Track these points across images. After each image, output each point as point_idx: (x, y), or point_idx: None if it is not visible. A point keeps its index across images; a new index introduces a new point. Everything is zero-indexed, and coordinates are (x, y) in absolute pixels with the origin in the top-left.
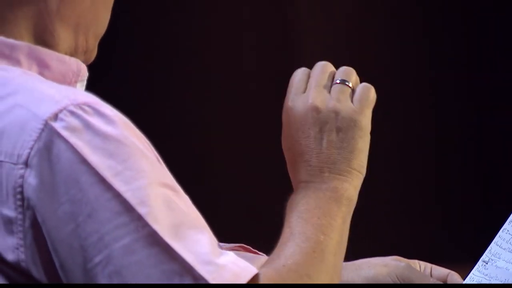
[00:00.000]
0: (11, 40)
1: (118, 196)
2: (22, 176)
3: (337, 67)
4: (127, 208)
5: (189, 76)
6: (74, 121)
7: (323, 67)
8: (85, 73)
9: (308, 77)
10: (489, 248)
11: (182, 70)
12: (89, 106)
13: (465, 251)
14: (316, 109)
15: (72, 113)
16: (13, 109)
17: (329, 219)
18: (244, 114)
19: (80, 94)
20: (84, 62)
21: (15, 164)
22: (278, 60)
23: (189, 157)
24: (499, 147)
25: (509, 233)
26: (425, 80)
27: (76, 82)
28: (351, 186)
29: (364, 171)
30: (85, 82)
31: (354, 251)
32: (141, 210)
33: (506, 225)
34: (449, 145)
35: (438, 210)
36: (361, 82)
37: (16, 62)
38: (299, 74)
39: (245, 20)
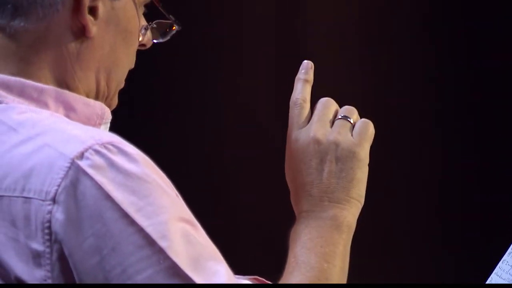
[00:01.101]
0: (39, 84)
1: (140, 230)
2: (50, 212)
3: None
4: (149, 242)
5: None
6: (99, 160)
7: (326, 103)
8: (108, 116)
9: (309, 110)
10: (489, 278)
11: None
12: (113, 145)
13: (466, 274)
14: (317, 141)
15: (97, 152)
16: (42, 148)
17: (332, 247)
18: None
19: (104, 134)
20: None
21: (43, 200)
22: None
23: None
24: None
25: (508, 264)
26: (428, 83)
27: (100, 124)
28: (350, 214)
29: (362, 200)
30: (108, 124)
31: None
32: (162, 243)
33: (505, 257)
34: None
35: (438, 234)
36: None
37: (44, 105)
38: (299, 107)
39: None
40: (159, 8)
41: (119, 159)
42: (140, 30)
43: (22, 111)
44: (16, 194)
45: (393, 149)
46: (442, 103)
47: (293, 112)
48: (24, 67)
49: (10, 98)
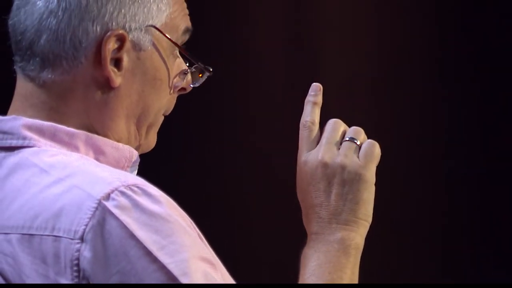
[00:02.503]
0: (70, 129)
1: (163, 267)
2: (78, 250)
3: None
4: (171, 278)
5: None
6: (124, 201)
7: (335, 125)
8: (137, 159)
9: (318, 131)
10: None
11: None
12: (137, 187)
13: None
14: (325, 165)
15: (123, 193)
16: (71, 189)
17: (340, 273)
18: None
19: (130, 176)
20: (142, 150)
21: (72, 239)
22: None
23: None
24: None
25: None
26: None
27: (128, 167)
28: (358, 234)
29: (370, 219)
30: (137, 167)
31: None
32: (183, 280)
33: None
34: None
35: (438, 234)
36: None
37: (75, 148)
38: (308, 130)
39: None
40: (187, 56)
41: (143, 200)
42: (179, 74)
43: (53, 154)
44: (47, 233)
45: (394, 149)
46: (443, 104)
47: (302, 134)
48: (54, 117)
49: (42, 141)
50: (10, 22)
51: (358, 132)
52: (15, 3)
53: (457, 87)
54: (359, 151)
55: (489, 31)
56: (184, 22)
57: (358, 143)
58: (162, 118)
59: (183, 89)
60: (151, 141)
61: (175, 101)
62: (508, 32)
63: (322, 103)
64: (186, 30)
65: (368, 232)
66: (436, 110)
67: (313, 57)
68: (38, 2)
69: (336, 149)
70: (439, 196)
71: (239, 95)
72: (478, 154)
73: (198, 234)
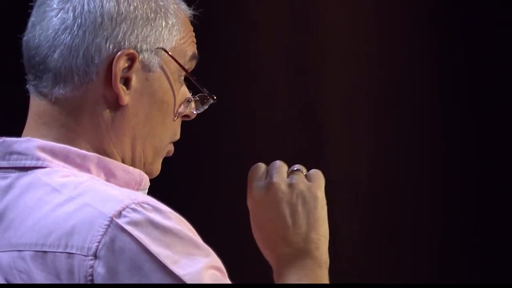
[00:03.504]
0: (82, 151)
1: (178, 280)
2: (92, 266)
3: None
4: None
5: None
6: (136, 217)
7: (279, 162)
8: (146, 183)
9: (265, 169)
10: None
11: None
12: (148, 204)
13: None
14: (280, 189)
15: (134, 210)
16: (82, 207)
17: (322, 283)
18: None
19: (139, 194)
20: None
21: (85, 256)
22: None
23: None
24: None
25: None
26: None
27: (138, 190)
28: (324, 251)
29: (328, 236)
30: (146, 191)
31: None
32: None
33: None
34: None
35: (438, 234)
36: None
37: (87, 170)
38: (256, 167)
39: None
40: (193, 81)
41: (154, 216)
42: (184, 102)
43: (64, 174)
44: (60, 250)
45: (394, 150)
46: (443, 104)
47: (251, 173)
48: (65, 134)
49: (55, 163)
50: (24, 38)
51: (300, 167)
52: (31, 20)
53: (457, 87)
54: (305, 178)
55: (489, 31)
56: (191, 48)
57: (304, 172)
58: (171, 147)
59: (186, 116)
60: (156, 168)
61: (179, 127)
62: (508, 32)
63: (323, 102)
64: (193, 57)
65: (369, 231)
66: (436, 111)
67: (312, 57)
68: (54, 19)
69: (286, 177)
70: (439, 196)
71: (239, 96)
72: (478, 154)
73: (207, 247)
